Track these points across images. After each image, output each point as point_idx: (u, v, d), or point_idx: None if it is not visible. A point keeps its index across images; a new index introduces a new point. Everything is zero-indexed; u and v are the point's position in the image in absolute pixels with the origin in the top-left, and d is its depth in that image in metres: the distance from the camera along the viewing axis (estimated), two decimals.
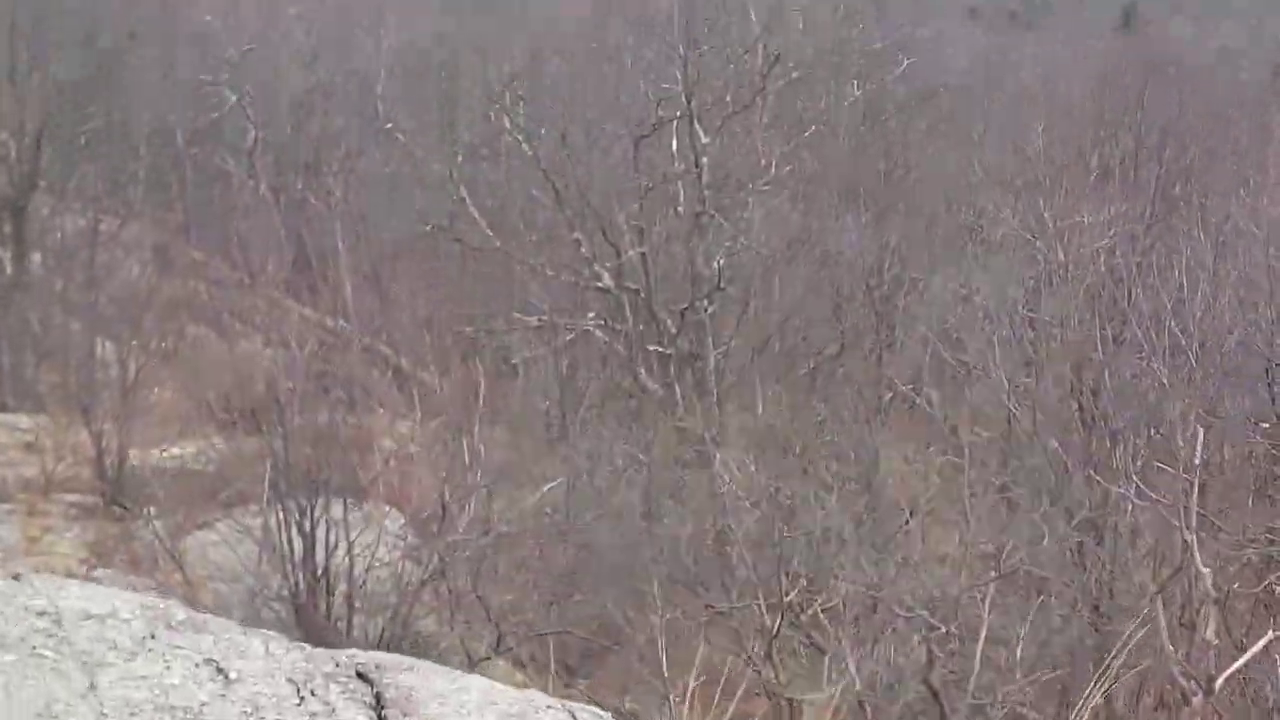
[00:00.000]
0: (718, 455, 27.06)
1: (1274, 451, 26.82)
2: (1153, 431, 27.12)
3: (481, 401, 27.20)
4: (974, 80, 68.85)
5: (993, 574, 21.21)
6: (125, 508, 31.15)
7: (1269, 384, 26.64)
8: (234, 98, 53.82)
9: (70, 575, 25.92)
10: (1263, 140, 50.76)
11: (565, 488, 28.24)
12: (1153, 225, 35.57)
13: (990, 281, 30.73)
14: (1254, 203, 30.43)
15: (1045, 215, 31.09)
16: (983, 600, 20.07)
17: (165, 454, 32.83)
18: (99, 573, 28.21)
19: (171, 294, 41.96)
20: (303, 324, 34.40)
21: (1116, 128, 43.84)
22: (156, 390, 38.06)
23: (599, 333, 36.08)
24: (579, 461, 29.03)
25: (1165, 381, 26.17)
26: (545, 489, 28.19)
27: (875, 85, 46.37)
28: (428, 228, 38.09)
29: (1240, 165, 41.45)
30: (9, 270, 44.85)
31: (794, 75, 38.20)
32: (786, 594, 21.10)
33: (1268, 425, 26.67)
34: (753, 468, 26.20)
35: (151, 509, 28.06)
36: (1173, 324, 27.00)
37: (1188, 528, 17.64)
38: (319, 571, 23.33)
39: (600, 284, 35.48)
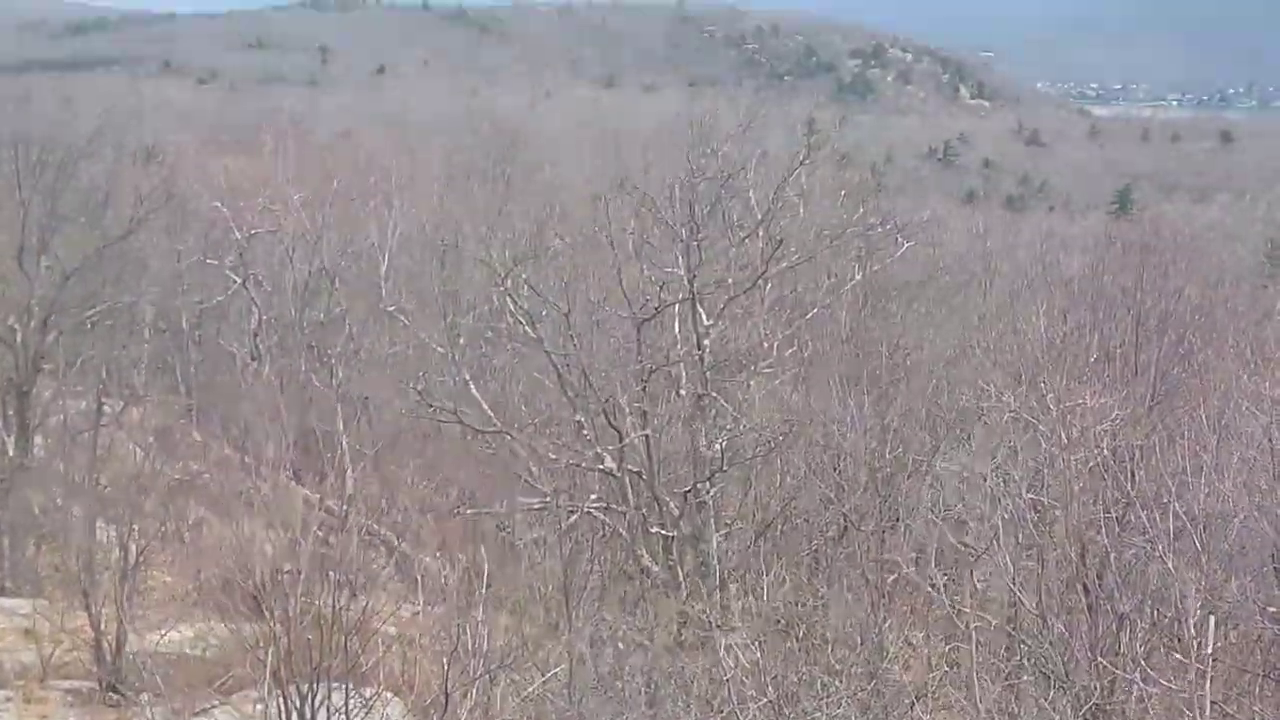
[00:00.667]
0: (721, 639, 26.79)
1: None
2: (1159, 615, 26.94)
3: (484, 585, 27.00)
4: (972, 261, 69.72)
5: None
6: (123, 694, 30.79)
7: (1276, 568, 26.49)
8: (239, 281, 54.37)
9: None
10: (1261, 318, 51.22)
11: (568, 673, 27.94)
12: (1154, 407, 35.67)
13: (993, 464, 30.69)
14: (1255, 384, 30.52)
15: (1046, 398, 31.15)
16: None
17: (164, 638, 32.54)
18: None
19: (174, 476, 41.87)
20: (305, 506, 34.26)
21: (1115, 309, 44.18)
22: (157, 574, 37.89)
23: (602, 515, 35.99)
24: (582, 646, 28.77)
25: (1171, 565, 26.04)
26: (548, 674, 27.87)
27: (875, 268, 46.86)
28: (430, 410, 38.13)
29: (1239, 344, 41.69)
30: (11, 453, 44.86)
31: (795, 259, 38.57)
32: None
33: (1275, 610, 26.44)
34: (757, 652, 25.92)
35: (149, 695, 27.72)
36: (1176, 506, 26.91)
37: (1201, 717, 17.40)
38: None
39: (603, 466, 35.49)
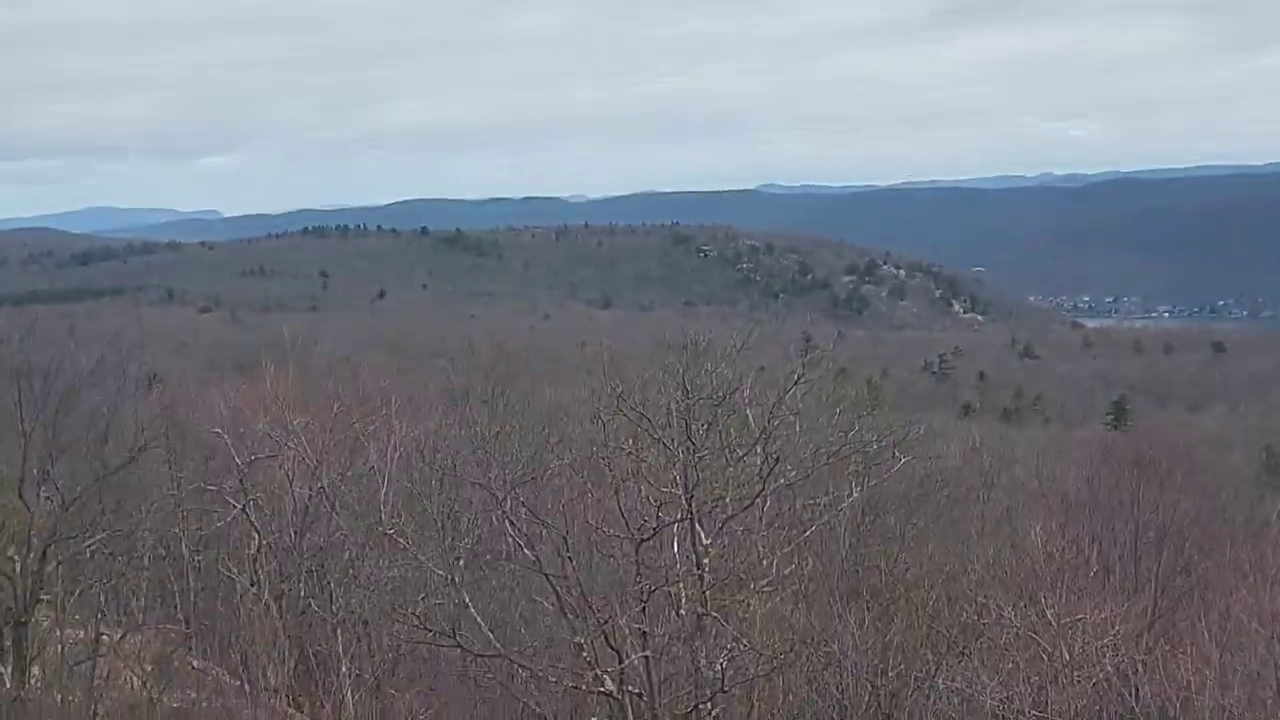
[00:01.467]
0: None
1: None
2: None
3: None
4: (969, 475, 69.84)
5: None
6: None
7: None
8: (239, 506, 54.41)
9: None
10: (1259, 529, 51.25)
11: None
12: (1155, 621, 35.62)
13: (996, 681, 30.51)
14: (1255, 598, 30.55)
15: (1047, 613, 31.14)
16: None
17: None
18: None
19: (172, 705, 41.50)
20: None
21: (1113, 522, 44.29)
22: None
23: None
24: None
25: None
26: None
27: (873, 483, 46.95)
28: (429, 634, 37.93)
29: (1238, 556, 41.72)
30: (8, 684, 44.47)
31: (793, 476, 38.68)
32: None
33: None
34: None
35: None
36: None
37: None
38: None
39: (603, 689, 35.18)
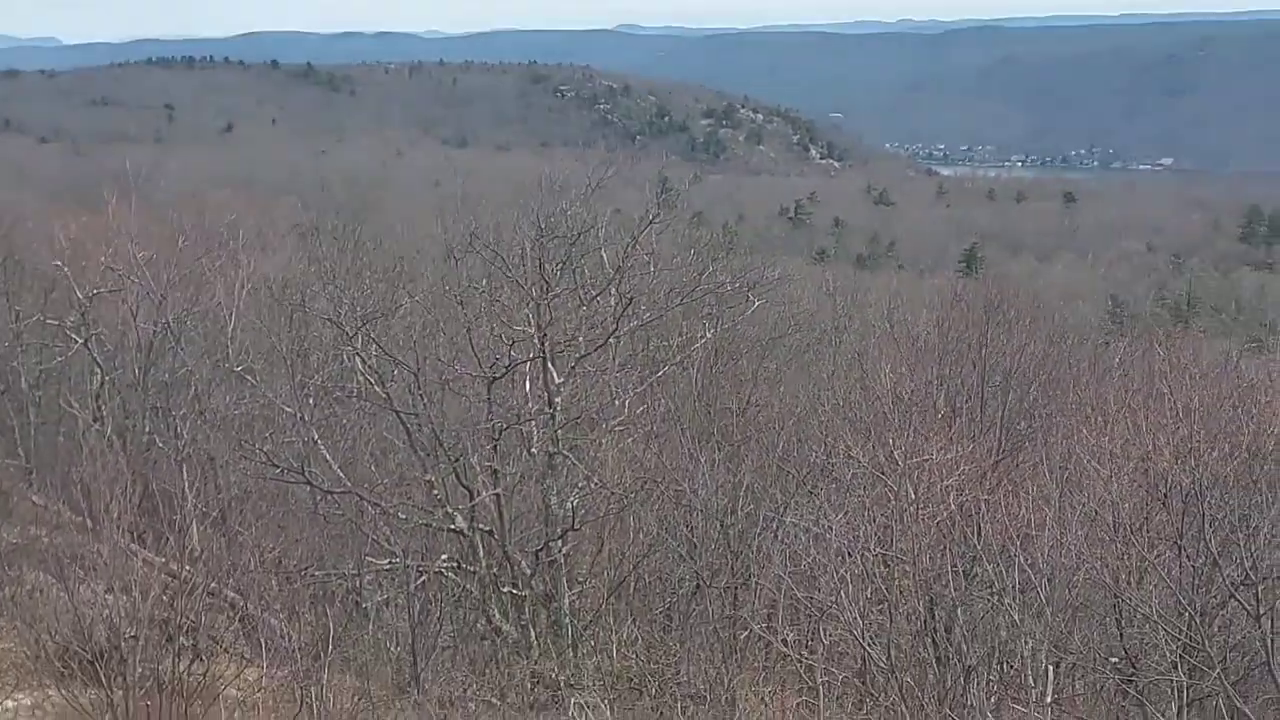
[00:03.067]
0: (573, 699, 26.58)
1: (1124, 687, 27.03)
2: (1006, 666, 27.30)
3: (331, 647, 26.56)
4: (822, 319, 70.44)
5: None
6: None
7: (1117, 619, 26.97)
8: (81, 341, 53.19)
9: None
10: (1102, 374, 52.28)
11: None
12: (999, 462, 36.23)
13: (842, 519, 30.90)
14: (1095, 439, 31.15)
15: (895, 453, 31.51)
16: None
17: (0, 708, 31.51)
18: None
19: (9, 540, 40.68)
20: (147, 569, 33.45)
21: (961, 365, 44.90)
22: None
23: (453, 575, 35.63)
24: (431, 708, 28.39)
25: (1016, 617, 26.44)
26: None
27: (726, 326, 47.07)
28: (277, 470, 37.50)
29: (1080, 399, 42.52)
30: None
31: (646, 317, 38.63)
32: None
33: (1116, 660, 26.91)
34: (608, 711, 25.75)
35: None
36: (1022, 559, 27.36)
37: None
38: None
39: (453, 526, 35.16)
